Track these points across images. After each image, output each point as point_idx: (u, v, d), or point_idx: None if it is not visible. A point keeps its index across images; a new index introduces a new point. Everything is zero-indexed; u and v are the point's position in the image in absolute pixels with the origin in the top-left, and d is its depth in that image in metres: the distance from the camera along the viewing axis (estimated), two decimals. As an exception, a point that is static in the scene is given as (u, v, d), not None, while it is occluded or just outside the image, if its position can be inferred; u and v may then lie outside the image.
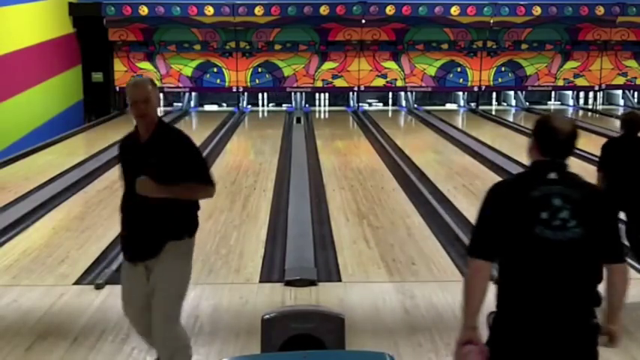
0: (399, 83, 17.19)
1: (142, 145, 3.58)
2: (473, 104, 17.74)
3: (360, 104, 17.47)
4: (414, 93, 17.58)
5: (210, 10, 15.91)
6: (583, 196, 2.57)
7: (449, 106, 18.17)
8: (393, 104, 18.08)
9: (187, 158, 3.57)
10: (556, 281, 2.54)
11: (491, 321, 2.65)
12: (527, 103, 17.75)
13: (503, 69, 17.36)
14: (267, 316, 2.86)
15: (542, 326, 2.54)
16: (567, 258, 2.54)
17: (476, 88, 17.45)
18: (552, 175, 2.59)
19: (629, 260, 4.91)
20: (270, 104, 17.92)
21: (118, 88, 16.71)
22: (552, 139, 2.61)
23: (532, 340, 2.54)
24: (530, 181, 2.61)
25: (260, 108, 17.76)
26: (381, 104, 18.04)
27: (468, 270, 2.67)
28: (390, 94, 18.03)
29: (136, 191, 3.48)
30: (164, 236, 3.54)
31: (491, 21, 16.53)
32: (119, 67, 16.69)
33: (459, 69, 17.24)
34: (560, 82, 17.51)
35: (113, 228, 6.92)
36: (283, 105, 17.44)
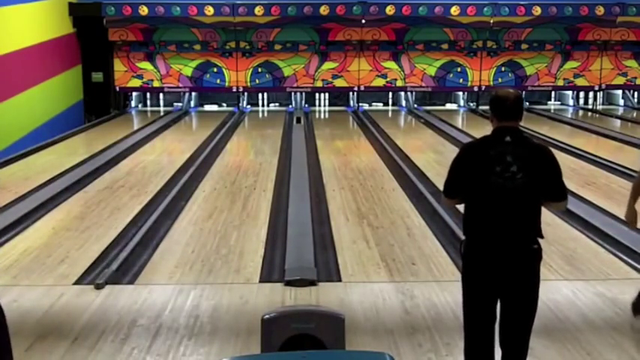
0: (399, 83, 17.18)
1: None
2: (473, 104, 17.74)
3: (360, 104, 17.47)
4: (414, 93, 17.58)
5: (210, 10, 15.90)
6: (529, 154, 3.33)
7: (449, 106, 18.17)
8: (393, 104, 18.08)
9: None
10: (506, 217, 3.32)
11: (461, 247, 3.46)
12: (527, 103, 17.72)
13: (503, 69, 17.35)
14: (267, 316, 2.85)
15: (497, 249, 3.32)
16: (514, 200, 3.31)
17: (476, 88, 17.44)
18: (507, 138, 3.33)
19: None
20: (272, 104, 17.92)
21: (118, 88, 16.74)
22: (502, 106, 3.37)
23: (489, 259, 3.34)
24: (490, 142, 3.38)
25: (260, 108, 17.77)
26: (381, 104, 18.05)
27: (444, 203, 3.80)
28: (390, 94, 18.05)
29: None
30: None
31: (492, 21, 16.51)
32: (119, 67, 16.69)
33: (459, 69, 17.23)
34: (560, 82, 17.50)
35: (113, 228, 6.95)
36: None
